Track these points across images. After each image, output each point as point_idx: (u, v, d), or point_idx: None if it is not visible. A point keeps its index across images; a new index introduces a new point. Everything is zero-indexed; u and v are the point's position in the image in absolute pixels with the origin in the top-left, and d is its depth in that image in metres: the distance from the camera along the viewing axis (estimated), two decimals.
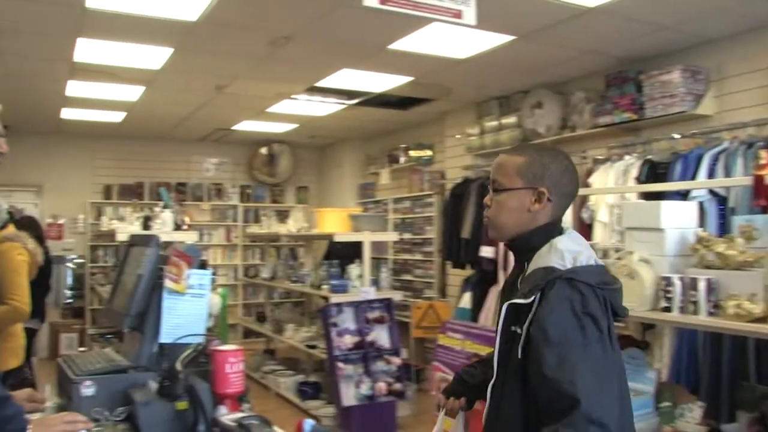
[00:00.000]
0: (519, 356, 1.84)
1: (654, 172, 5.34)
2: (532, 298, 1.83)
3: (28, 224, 5.88)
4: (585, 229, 5.80)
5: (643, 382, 3.59)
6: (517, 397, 1.87)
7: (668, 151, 5.48)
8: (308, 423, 2.02)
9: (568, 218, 4.91)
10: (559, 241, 1.93)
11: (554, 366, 1.74)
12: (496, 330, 1.97)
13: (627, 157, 5.72)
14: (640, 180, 5.39)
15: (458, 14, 3.95)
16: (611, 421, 1.70)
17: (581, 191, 5.73)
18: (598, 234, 5.62)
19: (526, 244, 2.00)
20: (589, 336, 1.77)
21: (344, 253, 7.10)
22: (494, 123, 7.58)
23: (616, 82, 6.10)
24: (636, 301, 3.14)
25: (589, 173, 5.98)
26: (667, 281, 3.11)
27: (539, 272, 1.87)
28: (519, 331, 1.85)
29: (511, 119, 7.36)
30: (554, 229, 1.99)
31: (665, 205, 3.31)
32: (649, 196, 4.59)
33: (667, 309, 3.10)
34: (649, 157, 5.52)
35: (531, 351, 1.80)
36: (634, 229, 3.42)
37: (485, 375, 2.16)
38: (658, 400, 3.59)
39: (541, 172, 1.97)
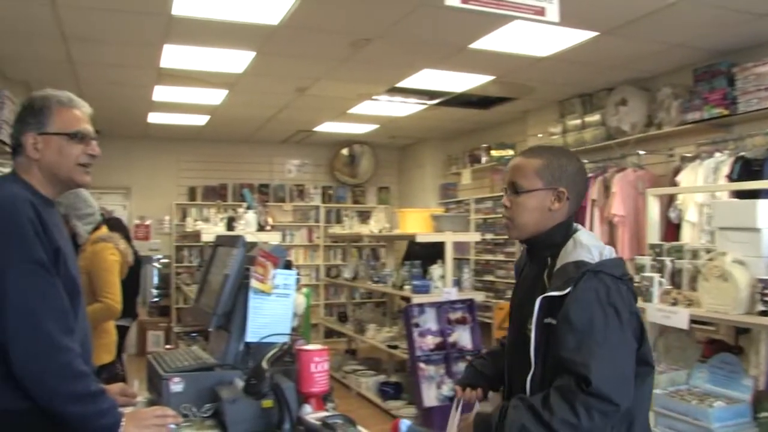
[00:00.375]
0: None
1: (748, 169, 5.15)
2: (567, 289, 1.95)
3: (116, 225, 6.09)
4: (672, 229, 5.64)
5: (739, 389, 3.44)
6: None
7: (763, 147, 5.27)
8: (404, 423, 2.01)
9: (655, 217, 4.80)
10: (581, 237, 2.08)
11: (572, 349, 1.89)
12: (519, 312, 2.17)
13: (717, 155, 5.54)
14: (732, 178, 5.20)
15: (541, 11, 3.89)
16: (623, 402, 1.86)
17: (669, 190, 5.61)
18: (687, 234, 5.46)
19: (547, 242, 2.14)
20: (609, 325, 1.91)
21: (424, 254, 7.08)
22: (577, 121, 7.45)
23: (705, 77, 5.89)
24: (729, 304, 3.04)
25: (677, 171, 5.82)
26: (764, 284, 2.99)
27: (570, 266, 2.00)
28: (554, 322, 1.97)
29: (594, 117, 7.21)
30: (571, 226, 2.15)
31: (762, 203, 3.18)
32: (742, 194, 4.42)
33: (765, 313, 2.98)
34: (743, 153, 5.32)
35: (554, 335, 1.95)
36: (727, 229, 3.31)
37: (496, 365, 2.39)
38: (756, 410, 3.44)
39: (559, 173, 2.11)
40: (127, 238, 5.45)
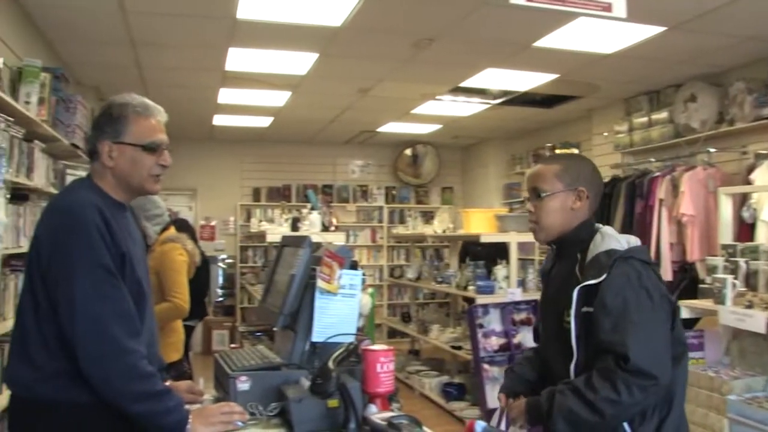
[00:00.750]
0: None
1: None
2: (602, 276, 2.08)
3: (183, 226, 6.20)
4: (746, 229, 5.47)
5: None
6: None
7: None
8: (479, 424, 2.00)
9: (728, 217, 4.67)
10: (607, 230, 2.24)
11: (609, 331, 2.03)
12: (550, 308, 2.32)
13: None
14: None
15: (608, 7, 3.82)
16: (661, 376, 1.98)
17: (743, 188, 5.45)
18: (762, 234, 5.29)
19: (574, 239, 2.28)
20: (642, 305, 2.05)
21: (483, 255, 7.04)
22: (644, 119, 7.29)
23: None
24: None
25: (751, 169, 5.65)
26: None
27: (602, 255, 2.14)
28: (591, 310, 2.10)
29: (662, 115, 7.05)
30: (594, 222, 2.30)
31: None
32: None
33: None
34: None
35: (591, 322, 2.08)
36: None
37: (536, 370, 2.50)
38: None
39: (577, 174, 2.29)
40: (194, 238, 5.55)
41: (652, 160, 6.90)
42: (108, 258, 2.03)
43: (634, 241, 2.20)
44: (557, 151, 9.36)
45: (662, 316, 2.10)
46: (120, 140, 2.19)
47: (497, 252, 6.65)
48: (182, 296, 4.14)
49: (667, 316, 2.12)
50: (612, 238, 2.18)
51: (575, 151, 9.14)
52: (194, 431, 2.06)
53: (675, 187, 6.21)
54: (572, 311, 2.14)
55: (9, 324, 3.40)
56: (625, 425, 2.08)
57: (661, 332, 2.08)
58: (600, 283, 2.08)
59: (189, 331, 5.45)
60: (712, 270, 4.36)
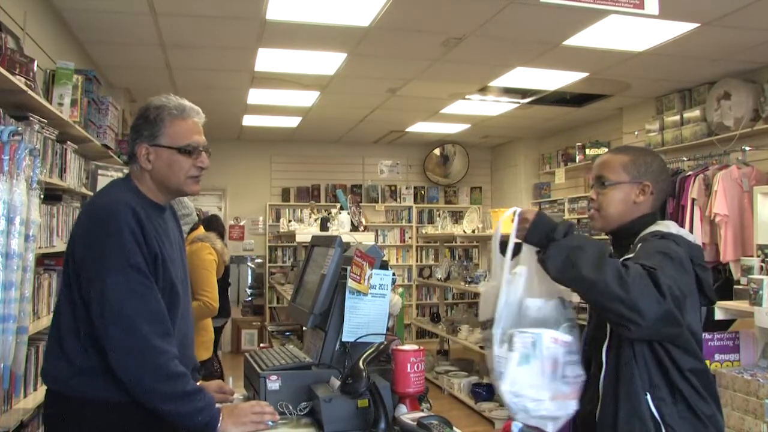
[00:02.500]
0: None
1: None
2: (636, 249, 2.11)
3: (213, 222, 6.26)
4: None
5: None
6: (633, 353, 2.08)
7: None
8: (516, 425, 1.99)
9: (764, 216, 4.59)
10: (664, 221, 2.24)
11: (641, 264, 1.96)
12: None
13: None
14: None
15: (639, 5, 3.76)
16: (668, 294, 1.89)
17: None
18: None
19: (631, 231, 2.26)
20: (666, 261, 1.98)
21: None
22: (676, 117, 7.21)
23: None
24: None
25: None
26: None
27: (647, 236, 2.17)
28: None
29: (694, 113, 6.96)
30: (654, 218, 2.27)
31: None
32: None
33: None
34: None
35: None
36: None
37: None
38: None
39: (644, 168, 2.26)
40: (222, 235, 5.58)
41: (685, 159, 6.81)
42: (140, 258, 2.04)
43: (686, 233, 2.20)
44: (597, 145, 9.29)
45: (688, 278, 2.05)
46: (156, 143, 2.20)
47: None
48: (211, 295, 4.17)
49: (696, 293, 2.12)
50: (663, 225, 2.20)
51: (605, 150, 9.06)
52: (225, 431, 2.06)
53: (708, 187, 6.13)
54: None
55: (44, 322, 3.44)
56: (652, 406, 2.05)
57: (681, 280, 1.98)
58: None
59: (218, 330, 5.49)
60: (747, 271, 4.29)
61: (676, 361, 2.06)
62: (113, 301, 1.98)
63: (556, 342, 1.95)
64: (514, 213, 2.11)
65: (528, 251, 2.12)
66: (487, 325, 2.03)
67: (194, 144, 2.24)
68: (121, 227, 2.04)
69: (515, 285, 2.04)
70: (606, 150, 8.97)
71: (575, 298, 2.09)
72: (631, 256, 2.09)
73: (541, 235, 2.04)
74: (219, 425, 2.06)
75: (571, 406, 2.02)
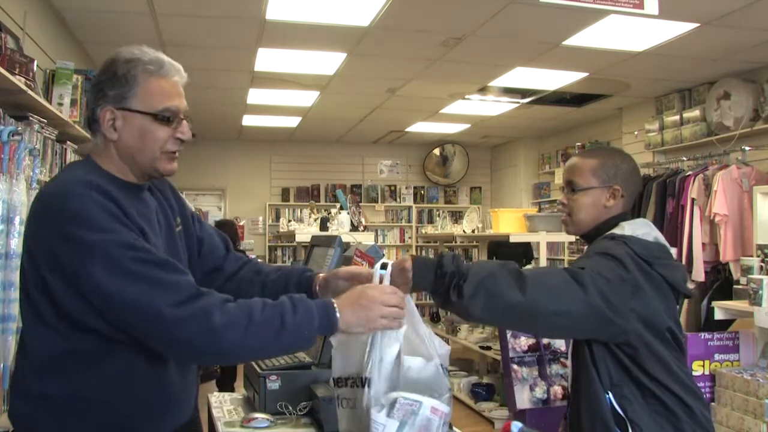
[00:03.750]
0: None
1: None
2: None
3: (223, 227, 6.28)
4: None
5: None
6: (591, 354, 2.07)
7: None
8: (516, 425, 1.99)
9: (764, 216, 4.59)
10: (629, 221, 2.20)
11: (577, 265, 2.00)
12: None
13: None
14: None
15: (639, 5, 3.77)
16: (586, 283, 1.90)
17: None
18: None
19: (599, 232, 2.24)
20: (606, 256, 2.01)
21: (509, 255, 6.99)
22: (675, 117, 7.21)
23: None
24: None
25: None
26: None
27: (599, 239, 2.19)
28: None
29: (694, 113, 6.96)
30: (623, 219, 2.23)
31: None
32: None
33: None
34: None
35: None
36: None
37: None
38: None
39: (613, 171, 2.24)
40: (233, 239, 5.59)
41: (684, 158, 6.81)
42: (123, 233, 1.59)
43: (641, 232, 2.13)
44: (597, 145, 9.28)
45: (622, 283, 1.98)
46: (125, 106, 1.72)
47: (524, 253, 6.60)
48: None
49: (658, 293, 2.04)
50: (619, 228, 2.17)
51: None
52: (349, 327, 1.68)
53: (707, 186, 6.13)
54: None
55: None
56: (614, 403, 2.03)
57: (609, 274, 1.96)
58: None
59: None
60: (747, 271, 4.29)
61: (637, 359, 2.02)
62: (113, 293, 1.56)
63: (436, 413, 1.72)
64: (385, 266, 1.83)
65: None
66: (344, 382, 1.79)
67: (173, 109, 1.76)
68: (89, 208, 1.58)
69: (390, 339, 1.74)
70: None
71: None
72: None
73: (430, 276, 1.86)
74: (338, 323, 1.66)
75: None
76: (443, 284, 1.85)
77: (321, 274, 1.96)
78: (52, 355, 1.65)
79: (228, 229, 6.36)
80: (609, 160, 2.27)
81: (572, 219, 2.30)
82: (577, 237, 2.38)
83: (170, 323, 1.55)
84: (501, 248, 7.38)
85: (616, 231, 2.16)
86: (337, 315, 1.64)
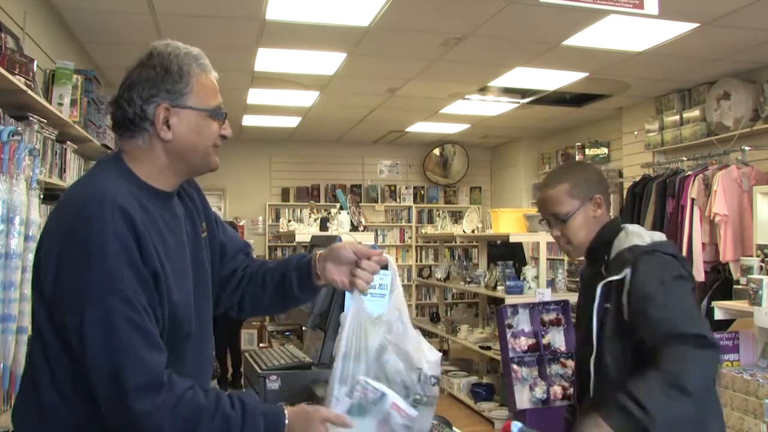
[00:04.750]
0: (615, 325, 2.18)
1: None
2: (624, 272, 2.14)
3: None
4: None
5: None
6: (620, 358, 2.17)
7: None
8: (516, 425, 1.99)
9: (764, 216, 4.57)
10: (631, 228, 2.29)
11: (657, 315, 2.04)
12: (583, 314, 2.37)
13: None
14: None
15: (639, 5, 3.78)
16: (708, 333, 2.01)
17: None
18: None
19: (599, 242, 2.31)
20: (678, 286, 2.09)
21: (500, 255, 7.01)
22: (675, 117, 7.21)
23: None
24: None
25: None
26: None
27: (624, 252, 2.20)
28: (610, 306, 2.19)
29: (694, 113, 6.96)
30: (617, 223, 2.33)
31: None
32: None
33: None
34: None
35: (633, 314, 2.11)
36: None
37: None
38: None
39: (586, 185, 2.31)
40: None
41: (684, 158, 6.81)
42: (128, 282, 1.50)
43: (658, 236, 2.25)
44: (596, 144, 9.30)
45: (691, 292, 2.16)
46: (182, 104, 1.65)
47: (514, 252, 6.63)
48: None
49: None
50: (635, 235, 2.23)
51: (604, 150, 9.07)
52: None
53: (707, 186, 6.13)
54: (595, 306, 2.22)
55: None
56: None
57: (693, 301, 2.17)
58: (624, 279, 2.15)
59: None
60: (747, 271, 4.29)
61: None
62: (92, 341, 1.47)
63: (399, 411, 1.70)
64: (386, 267, 1.84)
65: (394, 299, 1.86)
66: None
67: (222, 106, 1.73)
68: (105, 240, 1.49)
69: (377, 327, 1.77)
70: (605, 150, 8.97)
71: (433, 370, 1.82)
72: (618, 278, 2.16)
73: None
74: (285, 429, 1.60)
75: None
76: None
77: (320, 252, 1.91)
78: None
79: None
80: (577, 177, 2.33)
81: (573, 246, 2.35)
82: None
83: (125, 403, 1.47)
84: (492, 248, 7.42)
85: (638, 242, 2.20)
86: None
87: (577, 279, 8.88)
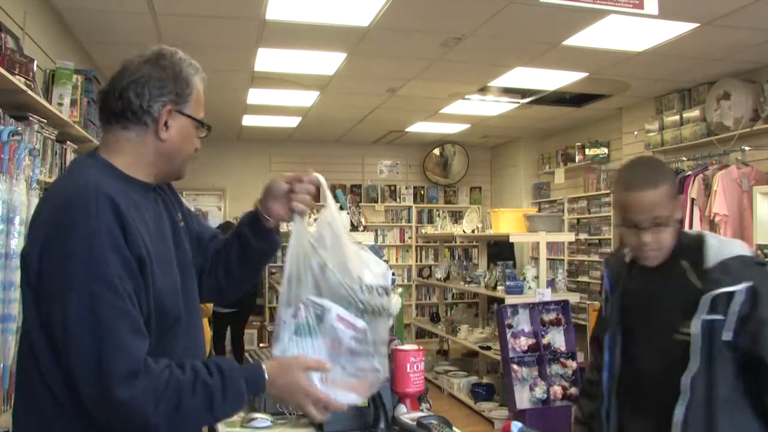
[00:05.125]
0: (728, 339, 2.00)
1: None
2: (743, 285, 1.97)
3: (225, 230, 6.26)
4: None
5: None
6: (730, 377, 2.03)
7: None
8: (516, 425, 1.99)
9: (764, 216, 4.57)
10: (713, 234, 2.13)
11: None
12: (658, 335, 2.16)
13: None
14: None
15: (639, 5, 3.78)
16: None
17: None
18: None
19: (680, 248, 2.13)
20: None
21: (497, 254, 7.02)
22: (675, 117, 7.22)
23: None
24: None
25: None
26: None
27: (731, 262, 2.01)
28: (721, 317, 1.99)
29: (694, 113, 6.97)
30: (697, 231, 2.23)
31: None
32: None
33: None
34: None
35: (754, 333, 1.98)
36: None
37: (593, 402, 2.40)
38: None
39: (675, 184, 2.19)
40: None
41: (684, 159, 6.82)
42: (113, 267, 1.49)
43: (745, 245, 2.14)
44: (596, 144, 9.28)
45: None
46: (183, 110, 1.72)
47: (510, 252, 6.65)
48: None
49: None
50: (729, 243, 2.10)
51: (604, 150, 9.07)
52: (275, 389, 1.63)
53: (707, 187, 6.14)
54: (696, 319, 2.02)
55: None
56: None
57: None
58: (736, 291, 1.98)
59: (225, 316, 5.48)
60: None
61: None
62: (74, 329, 1.46)
63: (342, 321, 1.66)
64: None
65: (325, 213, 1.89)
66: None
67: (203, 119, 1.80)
68: (90, 229, 1.49)
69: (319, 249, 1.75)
70: (605, 150, 8.96)
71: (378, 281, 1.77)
72: (734, 289, 1.99)
73: None
74: (266, 377, 1.61)
75: (348, 398, 1.69)
76: None
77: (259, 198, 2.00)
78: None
79: (229, 230, 6.37)
80: (671, 176, 2.17)
81: (661, 251, 2.13)
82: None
83: (108, 392, 1.46)
84: (490, 248, 7.45)
85: (736, 249, 2.07)
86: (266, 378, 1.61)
87: (576, 280, 8.91)
